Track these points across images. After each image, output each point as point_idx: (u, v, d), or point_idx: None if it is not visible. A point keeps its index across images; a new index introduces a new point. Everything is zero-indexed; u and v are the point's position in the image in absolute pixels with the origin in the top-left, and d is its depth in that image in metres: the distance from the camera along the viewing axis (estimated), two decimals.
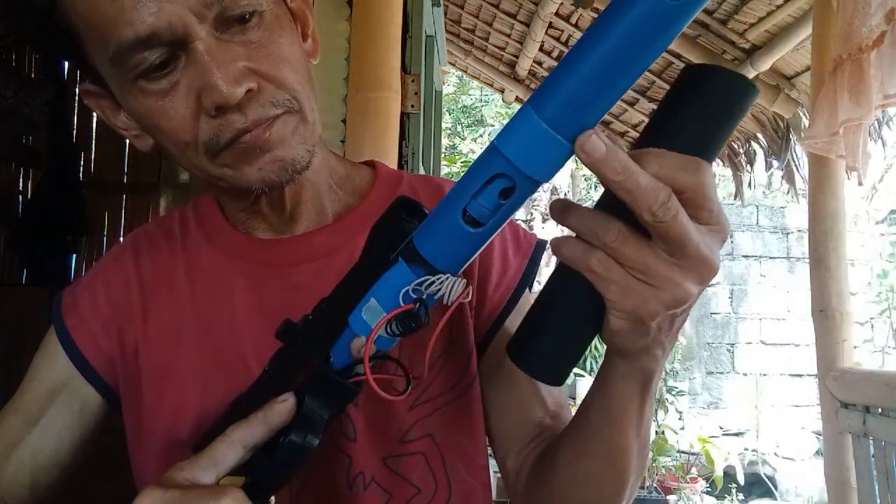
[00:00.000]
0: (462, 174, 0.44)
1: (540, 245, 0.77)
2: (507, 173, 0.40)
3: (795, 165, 2.76)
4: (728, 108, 0.41)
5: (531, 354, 0.47)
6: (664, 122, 0.41)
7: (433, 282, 0.45)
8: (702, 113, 0.40)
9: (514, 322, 0.73)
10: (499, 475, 0.76)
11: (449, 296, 0.46)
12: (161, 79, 0.59)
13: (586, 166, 0.40)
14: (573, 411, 0.64)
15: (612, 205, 0.42)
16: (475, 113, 10.19)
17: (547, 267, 3.04)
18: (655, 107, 0.43)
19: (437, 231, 0.44)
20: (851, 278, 2.29)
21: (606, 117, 3.86)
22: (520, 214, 7.37)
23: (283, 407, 0.51)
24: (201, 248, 0.75)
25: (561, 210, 0.45)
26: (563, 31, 3.33)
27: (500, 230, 0.45)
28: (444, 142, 8.75)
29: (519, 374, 0.69)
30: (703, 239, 0.42)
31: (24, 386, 0.76)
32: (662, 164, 0.40)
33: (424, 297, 0.46)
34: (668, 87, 2.78)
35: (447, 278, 0.46)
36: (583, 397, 0.59)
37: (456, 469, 0.71)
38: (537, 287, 0.53)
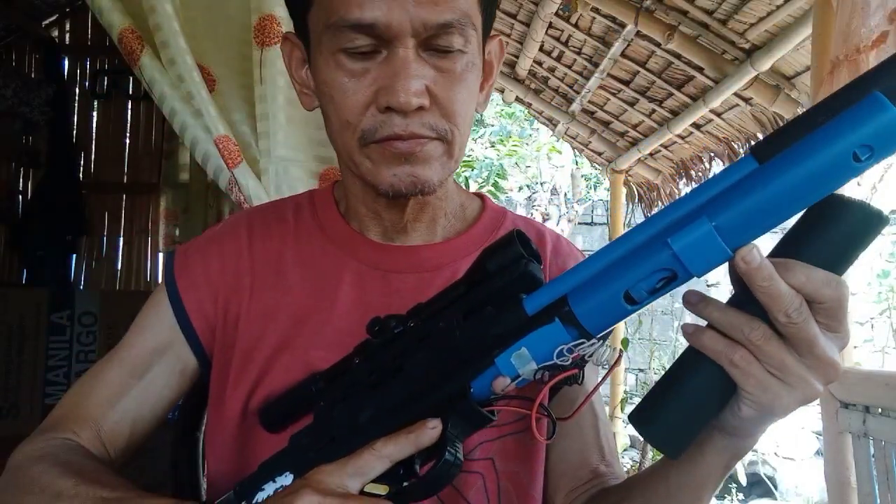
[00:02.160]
0: (620, 250, 0.50)
1: None
2: (672, 268, 0.47)
3: None
4: (865, 236, 0.47)
5: (658, 427, 0.52)
6: (809, 239, 0.48)
7: (590, 345, 0.52)
8: (843, 238, 0.47)
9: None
10: None
11: (599, 359, 0.53)
12: (358, 62, 0.66)
13: (739, 272, 0.46)
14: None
15: (747, 306, 0.48)
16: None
17: None
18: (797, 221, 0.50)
19: (596, 301, 0.50)
20: (851, 278, 2.28)
21: (606, 118, 3.86)
22: (521, 214, 7.37)
23: (434, 432, 0.56)
24: (314, 236, 0.79)
25: (699, 302, 0.50)
26: (563, 31, 3.33)
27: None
28: None
29: (585, 420, 0.77)
30: (828, 343, 0.48)
31: (130, 339, 0.79)
32: (809, 276, 0.46)
33: (575, 354, 0.52)
34: (667, 86, 2.76)
35: (602, 345, 0.52)
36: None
37: (509, 497, 0.74)
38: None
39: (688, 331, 0.50)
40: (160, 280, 0.81)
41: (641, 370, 6.03)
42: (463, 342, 0.56)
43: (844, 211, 0.46)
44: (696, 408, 0.51)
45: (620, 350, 0.54)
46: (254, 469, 0.65)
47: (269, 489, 0.61)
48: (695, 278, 0.48)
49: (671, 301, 6.12)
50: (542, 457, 0.76)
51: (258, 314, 0.76)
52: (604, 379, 0.60)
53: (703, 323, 0.51)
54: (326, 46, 0.67)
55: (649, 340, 6.06)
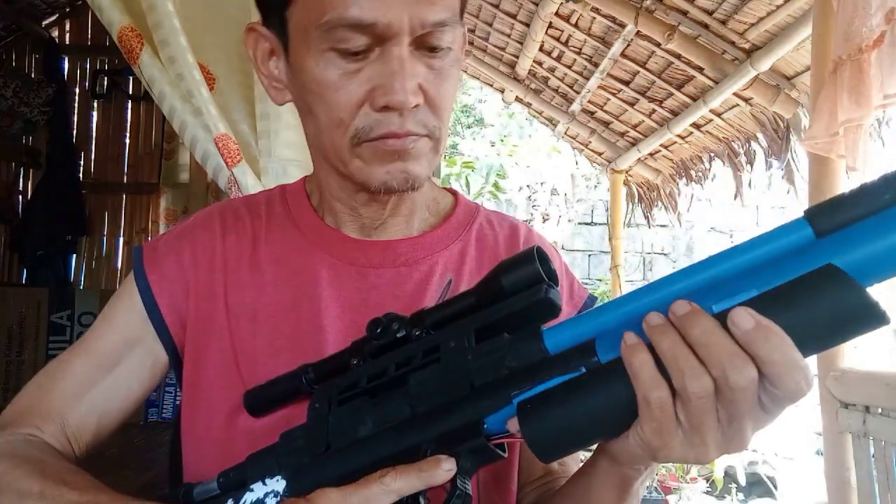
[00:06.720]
0: (651, 300, 0.46)
1: (591, 299, 0.82)
2: None
3: (795, 165, 2.76)
4: (855, 329, 0.41)
5: (539, 424, 0.48)
6: (795, 305, 0.42)
7: None
8: (833, 321, 0.41)
9: None
10: None
11: None
12: (351, 61, 0.65)
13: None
14: None
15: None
16: (475, 113, 10.19)
17: None
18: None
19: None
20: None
21: (606, 118, 3.86)
22: (521, 214, 7.37)
23: (448, 475, 0.53)
24: (288, 232, 0.78)
25: (657, 325, 0.44)
26: (563, 31, 3.33)
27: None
28: None
29: None
30: (758, 421, 0.44)
31: (97, 330, 0.77)
32: (785, 354, 0.41)
33: None
34: (667, 86, 2.75)
35: None
36: None
37: (487, 487, 0.74)
38: None
39: (628, 347, 0.45)
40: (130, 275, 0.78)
41: None
42: (476, 368, 0.52)
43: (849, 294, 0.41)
44: (588, 421, 0.47)
45: None
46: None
47: (258, 490, 0.58)
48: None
49: None
50: (518, 448, 0.76)
51: (237, 312, 0.74)
52: None
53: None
54: (316, 44, 0.65)
55: None
